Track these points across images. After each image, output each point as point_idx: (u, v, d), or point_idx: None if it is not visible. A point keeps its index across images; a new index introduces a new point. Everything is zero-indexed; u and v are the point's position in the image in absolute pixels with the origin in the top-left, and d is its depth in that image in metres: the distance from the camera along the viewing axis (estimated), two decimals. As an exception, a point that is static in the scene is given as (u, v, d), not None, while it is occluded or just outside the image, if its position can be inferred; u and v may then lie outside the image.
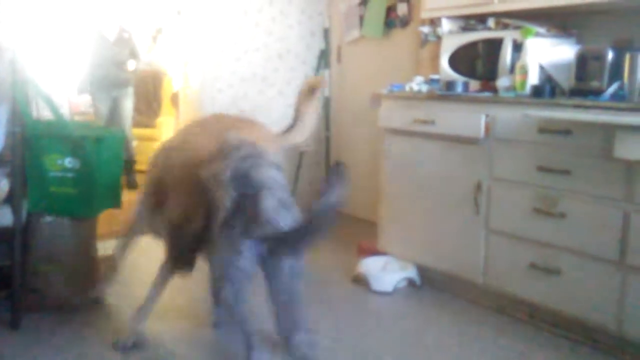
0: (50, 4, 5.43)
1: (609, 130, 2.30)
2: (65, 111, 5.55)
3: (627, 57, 2.51)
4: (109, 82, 5.50)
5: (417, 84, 3.33)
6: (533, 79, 2.82)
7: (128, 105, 5.71)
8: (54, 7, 5.55)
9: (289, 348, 2.11)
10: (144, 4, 7.25)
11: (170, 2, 6.61)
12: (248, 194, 1.96)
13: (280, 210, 1.96)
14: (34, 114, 2.92)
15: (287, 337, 2.11)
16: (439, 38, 3.46)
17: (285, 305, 2.09)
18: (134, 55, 5.65)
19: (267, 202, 1.94)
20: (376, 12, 4.33)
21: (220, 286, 2.00)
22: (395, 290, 3.19)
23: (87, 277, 2.94)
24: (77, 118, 5.68)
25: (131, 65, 5.57)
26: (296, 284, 2.08)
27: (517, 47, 2.91)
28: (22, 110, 2.61)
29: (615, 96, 2.53)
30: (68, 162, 2.77)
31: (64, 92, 5.69)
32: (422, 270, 3.28)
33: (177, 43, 6.36)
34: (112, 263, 2.89)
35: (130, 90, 5.71)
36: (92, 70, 5.45)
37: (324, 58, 4.91)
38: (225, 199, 1.98)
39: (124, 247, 2.79)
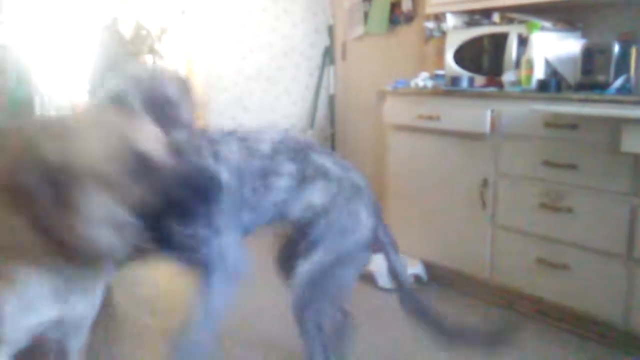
0: (58, 2, 5.41)
1: (616, 124, 2.28)
2: (67, 112, 5.54)
3: (633, 50, 2.50)
4: None
5: (422, 79, 3.32)
6: (539, 73, 2.81)
7: None
8: (63, 4, 5.53)
9: None
10: (148, 3, 7.26)
11: (174, 1, 6.61)
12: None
13: None
14: (38, 111, 2.92)
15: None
16: (443, 33, 3.45)
17: None
18: (152, 51, 5.29)
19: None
20: (380, 8, 4.32)
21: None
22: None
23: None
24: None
25: (148, 60, 5.20)
26: None
27: (523, 42, 2.89)
28: (24, 106, 2.62)
29: (622, 90, 2.52)
30: None
31: (67, 91, 5.67)
32: (428, 266, 3.27)
33: (181, 42, 6.36)
34: None
35: None
36: (103, 69, 4.98)
37: (328, 55, 4.90)
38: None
39: None
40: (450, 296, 3.09)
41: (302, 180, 1.84)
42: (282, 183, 1.83)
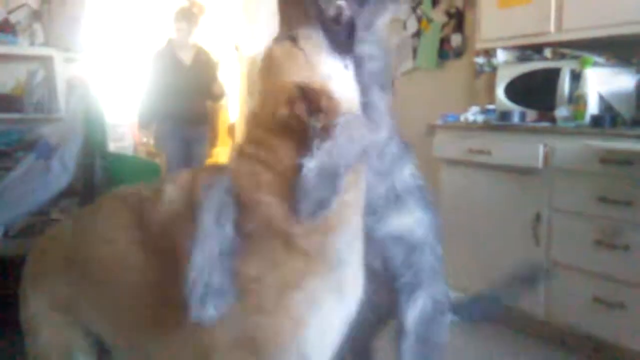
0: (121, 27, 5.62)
1: (674, 161, 2.25)
2: (129, 142, 5.68)
3: (691, 86, 2.46)
4: (180, 117, 4.41)
5: (472, 114, 3.34)
6: (593, 108, 2.79)
7: (202, 152, 4.68)
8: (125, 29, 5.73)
9: None
10: (202, 39, 7.51)
11: (228, 36, 6.85)
12: None
13: None
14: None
15: None
16: (494, 68, 3.46)
17: None
18: (213, 80, 4.69)
19: None
20: (430, 43, 4.37)
21: None
22: (451, 323, 3.14)
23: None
24: (140, 149, 5.77)
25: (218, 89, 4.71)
26: None
27: (575, 77, 2.89)
28: (99, 142, 2.74)
29: (679, 126, 2.48)
30: None
31: (128, 122, 5.82)
32: (479, 302, 3.23)
33: (234, 76, 6.57)
34: None
35: (204, 131, 4.71)
36: (160, 99, 4.40)
37: (377, 89, 4.95)
38: None
39: None
40: (502, 334, 3.04)
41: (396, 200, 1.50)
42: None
